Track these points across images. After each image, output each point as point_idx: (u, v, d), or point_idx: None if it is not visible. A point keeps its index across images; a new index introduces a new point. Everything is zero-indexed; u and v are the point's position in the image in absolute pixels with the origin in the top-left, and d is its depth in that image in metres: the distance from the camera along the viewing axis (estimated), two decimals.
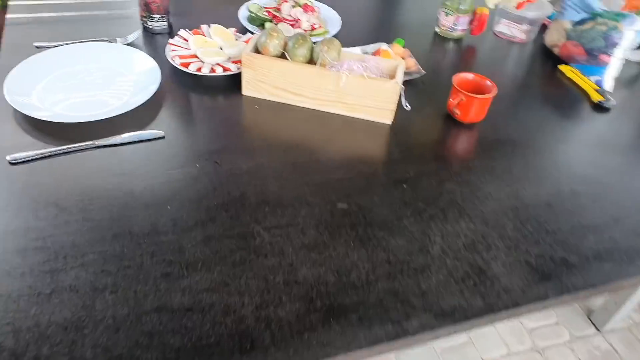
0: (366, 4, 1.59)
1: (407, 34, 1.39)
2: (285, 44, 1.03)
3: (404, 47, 1.29)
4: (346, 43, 1.30)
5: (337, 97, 1.04)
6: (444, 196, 0.92)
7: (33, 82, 1.00)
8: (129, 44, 1.17)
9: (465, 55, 1.39)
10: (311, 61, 1.03)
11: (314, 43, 1.05)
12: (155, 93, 0.99)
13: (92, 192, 0.81)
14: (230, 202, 0.83)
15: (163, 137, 0.93)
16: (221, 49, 1.13)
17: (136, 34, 1.18)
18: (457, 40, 1.42)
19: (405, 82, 1.06)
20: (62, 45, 1.11)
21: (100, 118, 0.91)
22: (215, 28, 1.16)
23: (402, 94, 1.03)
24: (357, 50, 1.27)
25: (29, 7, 1.27)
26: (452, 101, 1.06)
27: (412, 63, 1.24)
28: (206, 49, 1.11)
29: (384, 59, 1.09)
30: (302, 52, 1.01)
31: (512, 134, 1.10)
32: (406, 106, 1.04)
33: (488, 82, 1.08)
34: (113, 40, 1.16)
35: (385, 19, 1.50)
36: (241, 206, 0.83)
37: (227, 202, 0.83)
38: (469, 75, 1.10)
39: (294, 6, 1.36)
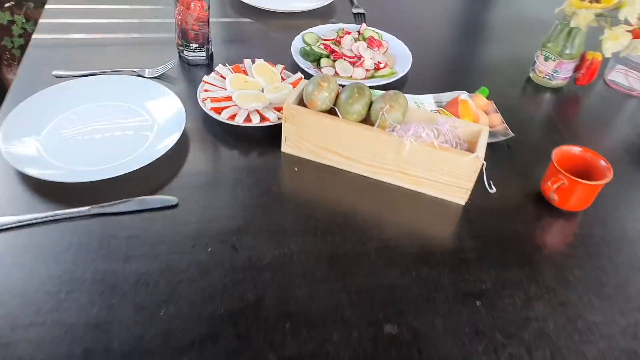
0: (444, 38, 1.35)
1: (493, 79, 1.14)
2: (337, 96, 0.82)
3: (488, 97, 1.04)
4: (416, 87, 1.08)
5: (397, 167, 0.82)
6: (532, 325, 0.67)
7: (33, 125, 0.85)
8: (158, 77, 1.01)
9: (566, 110, 1.11)
10: (367, 119, 0.82)
11: (374, 97, 0.83)
12: (176, 143, 0.83)
13: (70, 280, 0.64)
14: (242, 310, 0.63)
15: (176, 206, 0.76)
16: (262, 91, 0.94)
17: (168, 65, 1.02)
18: (556, 90, 1.14)
19: (487, 146, 0.82)
20: (82, 76, 0.97)
21: (102, 177, 0.75)
22: (259, 66, 0.98)
23: (484, 170, 0.79)
24: (429, 98, 1.04)
25: (59, 25, 1.15)
26: (550, 184, 0.81)
27: (498, 120, 0.99)
28: (245, 91, 0.93)
29: (462, 121, 0.85)
30: (357, 108, 0.79)
31: (630, 232, 0.82)
32: (490, 188, 0.80)
33: (602, 162, 0.81)
34: (142, 71, 1.01)
35: (466, 59, 1.25)
36: (255, 319, 0.63)
37: (238, 310, 0.63)
38: (574, 150, 0.84)
39: (356, 39, 1.15)
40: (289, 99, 0.83)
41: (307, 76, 1.05)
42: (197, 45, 1.02)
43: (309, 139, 0.84)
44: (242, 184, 0.81)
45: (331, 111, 0.82)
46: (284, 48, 1.13)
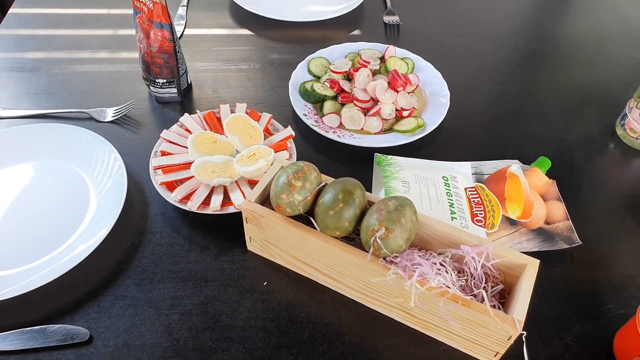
0: (500, 69, 1.02)
1: (561, 139, 0.83)
2: (316, 197, 0.58)
3: (549, 173, 0.75)
4: (450, 148, 0.80)
5: (399, 305, 0.57)
6: None
7: None
8: (118, 120, 0.80)
9: None
10: (356, 232, 0.57)
11: (367, 205, 0.57)
12: (105, 238, 0.62)
13: None
14: None
15: (88, 342, 0.56)
16: (235, 155, 0.71)
17: (127, 106, 0.81)
18: None
19: (539, 255, 0.54)
20: (20, 117, 0.77)
21: None
22: (234, 120, 0.73)
23: (524, 341, 0.52)
24: (465, 167, 0.76)
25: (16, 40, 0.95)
26: (629, 353, 0.53)
27: (560, 213, 0.70)
28: (210, 158, 0.69)
29: (500, 248, 0.58)
30: (341, 223, 0.55)
31: None
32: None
33: None
34: (98, 112, 0.80)
35: (527, 107, 0.92)
36: None
37: None
38: None
39: (376, 71, 0.87)
40: (253, 191, 0.60)
41: (303, 128, 0.81)
42: (164, 80, 0.80)
43: (278, 246, 0.61)
44: (182, 308, 0.59)
45: (307, 216, 0.58)
46: (285, 75, 0.88)
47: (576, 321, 0.61)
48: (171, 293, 0.61)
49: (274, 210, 0.57)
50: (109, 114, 0.80)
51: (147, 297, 0.60)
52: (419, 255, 0.54)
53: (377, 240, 0.51)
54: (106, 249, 0.63)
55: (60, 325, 0.57)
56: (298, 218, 0.58)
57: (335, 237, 0.56)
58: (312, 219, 0.56)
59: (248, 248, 0.65)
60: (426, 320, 0.56)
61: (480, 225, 0.69)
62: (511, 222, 0.69)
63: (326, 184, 0.58)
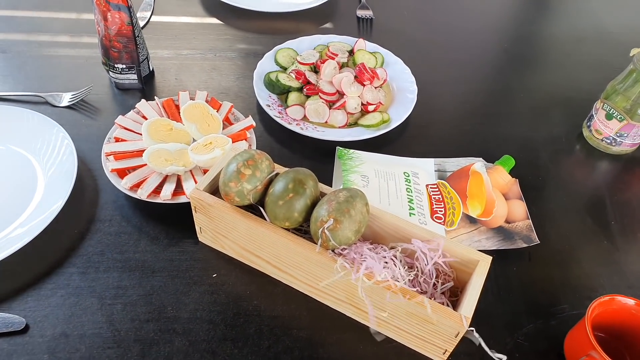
0: (469, 66, 1.01)
1: (526, 137, 0.82)
2: (267, 187, 0.56)
3: (512, 172, 0.74)
4: (414, 145, 0.79)
5: (347, 299, 0.56)
6: None
7: None
8: (74, 105, 0.77)
9: (630, 196, 0.77)
10: (307, 221, 0.55)
11: (320, 196, 0.56)
12: (51, 225, 0.60)
13: None
14: None
15: (23, 330, 0.54)
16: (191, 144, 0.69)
17: (84, 91, 0.78)
18: (618, 158, 0.82)
19: (497, 254, 0.53)
20: None
21: None
22: (192, 107, 0.71)
23: (476, 335, 0.51)
24: (428, 164, 0.75)
25: None
26: (576, 351, 0.52)
27: (521, 212, 0.69)
28: (164, 145, 0.67)
29: (452, 243, 0.57)
30: (291, 214, 0.53)
31: None
32: (478, 342, 0.52)
33: None
34: (54, 97, 0.78)
35: (494, 104, 0.91)
36: None
37: None
38: (626, 303, 0.54)
39: (344, 64, 0.86)
40: (203, 179, 0.58)
41: (266, 119, 0.79)
42: (123, 66, 0.77)
43: (228, 237, 0.59)
44: (126, 298, 0.57)
45: (256, 206, 0.56)
46: (252, 66, 0.86)
47: (529, 320, 0.60)
48: (116, 283, 0.59)
49: (223, 199, 0.56)
50: (65, 99, 0.78)
51: (91, 286, 0.58)
52: (369, 248, 0.53)
53: (326, 231, 0.50)
54: (51, 236, 0.61)
55: None
56: (249, 208, 0.57)
57: (285, 228, 0.54)
58: (261, 209, 0.55)
59: (199, 239, 0.63)
60: (374, 315, 0.55)
61: (440, 223, 0.68)
62: (471, 220, 0.68)
63: (278, 173, 0.57)
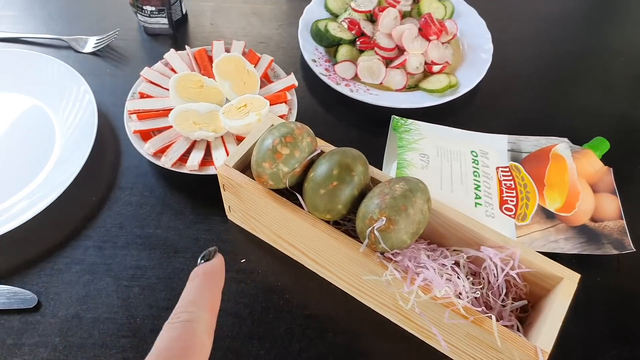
0: (551, 35, 0.85)
1: (623, 118, 0.68)
2: (307, 168, 0.47)
3: (604, 159, 0.61)
4: (486, 117, 0.67)
5: (395, 307, 0.47)
6: None
7: None
8: (100, 51, 0.69)
9: None
10: (352, 213, 0.46)
11: (369, 188, 0.46)
12: (67, 190, 0.54)
13: None
14: None
15: (35, 308, 0.49)
16: (223, 105, 0.60)
17: (110, 36, 0.70)
18: None
19: (578, 260, 0.43)
20: None
21: None
22: (226, 61, 0.61)
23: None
24: (501, 141, 0.63)
25: None
26: None
27: (613, 209, 0.57)
28: (193, 105, 0.59)
29: (530, 253, 0.45)
30: (334, 205, 0.44)
31: None
32: None
33: None
34: (77, 41, 0.70)
35: (582, 74, 0.76)
36: None
37: None
38: None
39: (407, 13, 0.72)
40: (234, 153, 0.49)
41: (310, 77, 0.68)
42: (153, 9, 0.68)
43: (260, 221, 0.51)
44: (144, 280, 0.51)
45: (292, 192, 0.47)
46: (298, 12, 0.74)
47: (613, 346, 0.49)
48: (134, 262, 0.52)
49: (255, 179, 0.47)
50: (90, 44, 0.69)
51: (107, 263, 0.52)
52: (427, 254, 0.43)
53: (375, 232, 0.41)
54: (67, 203, 0.55)
55: (5, 286, 0.50)
56: (285, 191, 0.48)
57: (326, 221, 0.46)
58: (299, 196, 0.46)
59: (228, 217, 0.56)
60: (427, 329, 0.46)
61: (510, 215, 0.57)
62: (548, 215, 0.57)
63: (321, 152, 0.47)
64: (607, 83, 0.72)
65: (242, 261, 0.53)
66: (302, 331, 0.49)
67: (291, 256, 0.53)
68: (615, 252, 0.54)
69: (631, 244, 0.54)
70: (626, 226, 0.56)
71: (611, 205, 0.58)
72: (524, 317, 0.47)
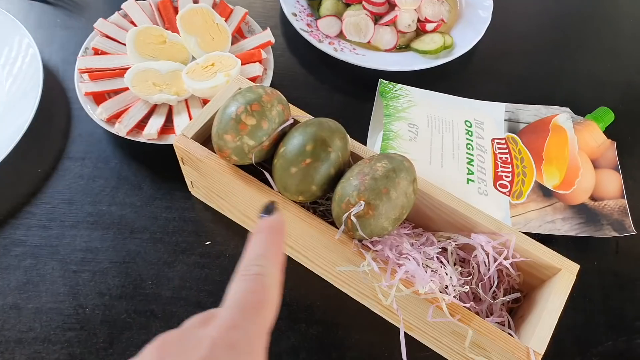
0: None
1: (630, 86, 0.62)
2: (277, 141, 0.40)
3: (607, 131, 0.56)
4: (482, 82, 0.61)
5: (373, 295, 0.43)
6: None
7: None
8: (40, 0, 0.60)
9: None
10: (329, 193, 0.40)
11: (346, 166, 0.40)
12: (7, 158, 0.47)
13: None
14: None
15: None
16: (187, 64, 0.52)
17: None
18: None
19: (575, 242, 0.38)
20: None
21: None
22: (191, 13, 0.54)
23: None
24: (498, 110, 0.57)
25: None
26: None
27: (615, 188, 0.52)
28: (153, 64, 0.51)
29: (522, 238, 0.40)
30: (305, 186, 0.38)
31: None
32: None
33: None
34: None
35: (588, 38, 0.69)
36: None
37: None
38: None
39: None
40: (192, 122, 0.42)
41: (289, 33, 0.61)
42: None
43: (225, 199, 0.46)
44: (95, 264, 0.45)
45: (260, 167, 0.41)
46: None
47: (609, 336, 0.46)
48: (85, 243, 0.47)
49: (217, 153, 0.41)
50: None
51: (53, 245, 0.46)
52: (410, 242, 0.38)
53: (352, 218, 0.35)
54: (7, 175, 0.48)
55: None
56: (253, 167, 0.42)
57: (298, 203, 0.40)
58: (267, 175, 0.40)
59: (192, 193, 0.50)
60: (407, 320, 0.42)
61: (504, 193, 0.52)
62: (545, 193, 0.52)
63: (295, 122, 0.41)
64: (614, 47, 0.66)
65: (206, 243, 0.48)
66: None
67: None
68: (614, 234, 0.50)
69: (632, 226, 0.50)
70: (627, 206, 0.51)
71: (613, 182, 0.53)
72: (516, 308, 0.43)
